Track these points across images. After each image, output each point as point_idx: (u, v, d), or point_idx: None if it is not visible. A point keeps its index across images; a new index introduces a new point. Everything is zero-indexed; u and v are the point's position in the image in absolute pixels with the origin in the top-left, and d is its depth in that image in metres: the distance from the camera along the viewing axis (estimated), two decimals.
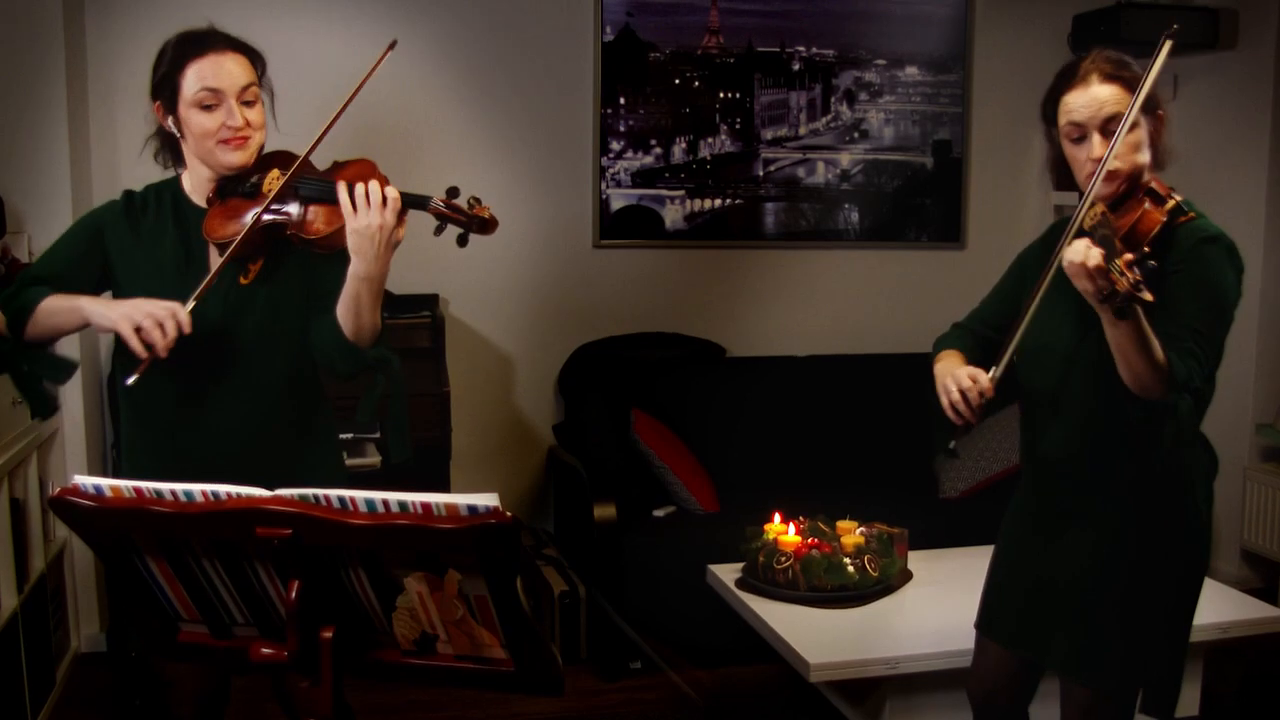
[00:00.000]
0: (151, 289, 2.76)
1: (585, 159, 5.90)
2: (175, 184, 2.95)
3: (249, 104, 2.82)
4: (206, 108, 2.78)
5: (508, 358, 5.94)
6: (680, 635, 5.02)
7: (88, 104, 5.14)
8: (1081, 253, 2.39)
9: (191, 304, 2.67)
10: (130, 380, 2.64)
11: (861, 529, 4.44)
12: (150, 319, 2.59)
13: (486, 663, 2.06)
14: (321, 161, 2.90)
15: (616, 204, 5.95)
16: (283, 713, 2.83)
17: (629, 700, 4.80)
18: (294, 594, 1.96)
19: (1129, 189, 2.74)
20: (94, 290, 2.87)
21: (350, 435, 4.75)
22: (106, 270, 2.88)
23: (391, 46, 2.84)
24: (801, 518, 4.49)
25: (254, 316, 2.85)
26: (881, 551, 4.34)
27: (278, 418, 2.93)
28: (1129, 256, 2.37)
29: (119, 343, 2.73)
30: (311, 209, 2.78)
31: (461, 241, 2.77)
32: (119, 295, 2.87)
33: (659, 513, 5.41)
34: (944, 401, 2.78)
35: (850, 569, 4.21)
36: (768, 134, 6.10)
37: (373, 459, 4.80)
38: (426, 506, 1.87)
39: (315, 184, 2.80)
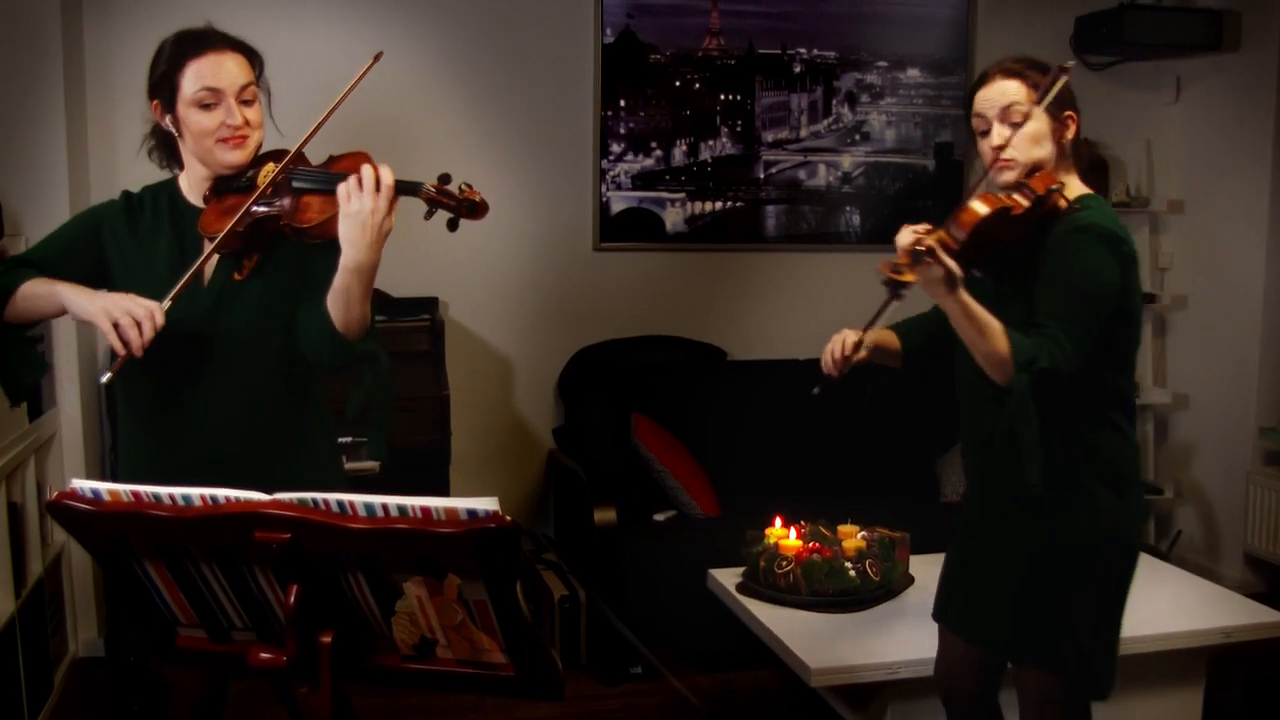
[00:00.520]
0: (145, 287, 2.75)
1: (585, 161, 5.89)
2: (172, 185, 2.95)
3: (247, 103, 2.82)
4: (206, 107, 2.77)
5: (507, 361, 5.92)
6: (681, 640, 5.00)
7: (86, 106, 5.13)
8: (902, 236, 2.69)
9: (168, 304, 2.64)
10: (105, 379, 2.65)
11: (863, 533, 4.44)
12: (128, 316, 2.57)
13: (486, 668, 2.06)
14: (317, 159, 2.89)
15: (617, 207, 5.93)
16: (288, 718, 2.82)
17: (629, 705, 4.80)
18: (293, 598, 1.96)
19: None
20: (84, 283, 2.82)
21: (349, 439, 4.72)
22: (102, 266, 2.87)
23: (377, 58, 2.82)
24: (803, 522, 4.49)
25: (248, 313, 2.84)
26: (883, 556, 4.34)
27: (274, 415, 2.92)
28: (931, 240, 2.61)
29: None
30: (304, 199, 2.77)
31: (452, 226, 2.73)
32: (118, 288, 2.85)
33: (659, 517, 5.40)
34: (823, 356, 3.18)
35: (852, 573, 4.20)
36: (769, 136, 6.09)
37: (372, 463, 4.78)
38: (426, 511, 1.87)
39: (308, 175, 2.79)
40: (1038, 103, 2.83)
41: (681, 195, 6.00)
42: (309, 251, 2.84)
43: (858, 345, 3.11)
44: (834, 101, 6.15)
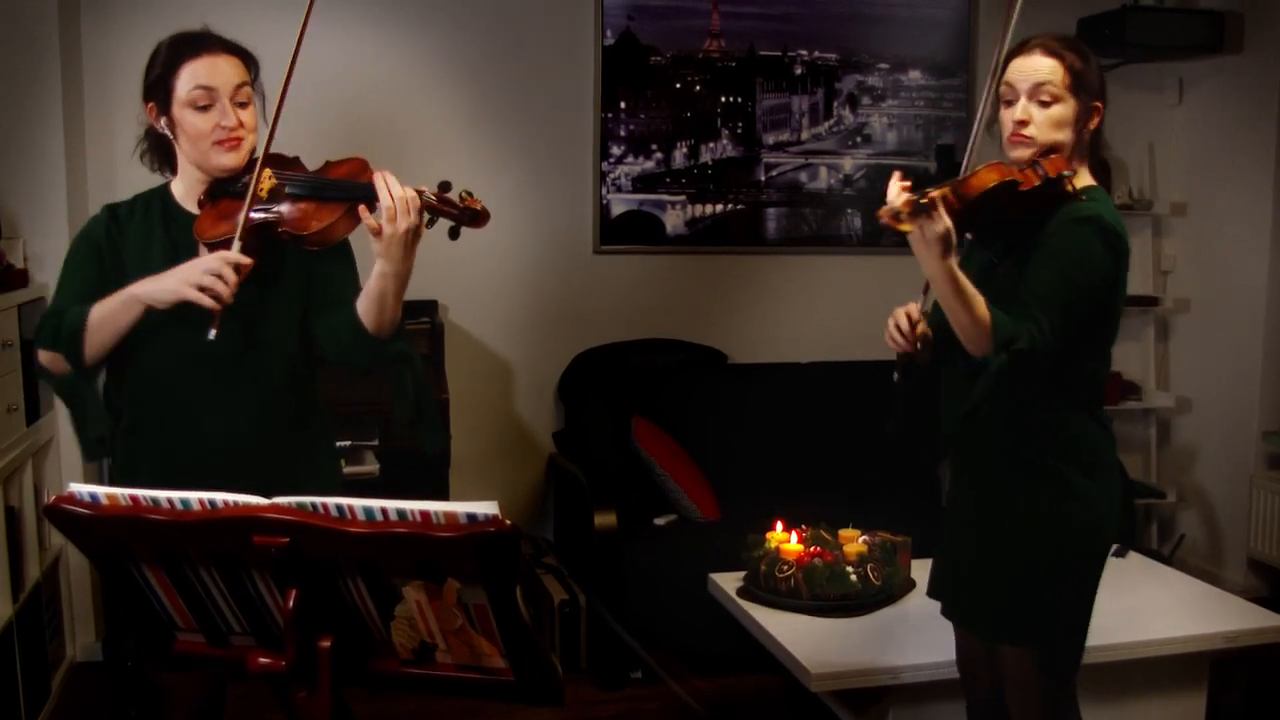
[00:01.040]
0: None
1: (585, 164, 5.88)
2: (164, 191, 2.94)
3: (242, 105, 2.83)
4: (200, 108, 2.78)
5: (507, 364, 5.91)
6: (681, 644, 5.00)
7: (83, 107, 5.12)
8: (890, 192, 2.65)
9: (238, 245, 2.69)
10: (212, 333, 2.65)
11: (864, 537, 4.43)
12: (208, 275, 2.63)
13: (486, 672, 2.05)
14: (317, 163, 2.88)
15: (617, 209, 5.92)
16: None
17: (630, 710, 4.78)
18: (291, 603, 1.95)
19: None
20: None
21: (349, 442, 4.72)
22: (109, 283, 2.86)
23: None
24: (804, 526, 4.49)
25: (249, 320, 2.83)
26: (884, 560, 4.33)
27: (275, 420, 2.92)
28: (907, 202, 2.58)
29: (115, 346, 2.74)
30: (302, 205, 2.77)
31: (453, 234, 2.78)
32: None
33: (660, 521, 5.39)
34: (886, 335, 3.01)
35: (853, 577, 4.20)
36: (769, 138, 6.07)
37: (371, 466, 4.78)
38: (425, 515, 1.86)
39: (304, 181, 2.80)
40: (1070, 90, 2.83)
41: (682, 198, 5.99)
42: (313, 258, 2.85)
43: (919, 316, 2.99)
44: (835, 104, 6.14)
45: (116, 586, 2.14)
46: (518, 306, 5.87)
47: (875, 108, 6.20)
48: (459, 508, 1.84)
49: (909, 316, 2.94)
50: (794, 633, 3.99)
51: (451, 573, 1.91)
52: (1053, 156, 2.83)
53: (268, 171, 2.81)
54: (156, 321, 2.75)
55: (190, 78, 2.77)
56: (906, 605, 4.29)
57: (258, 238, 2.77)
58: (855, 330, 6.17)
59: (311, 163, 2.89)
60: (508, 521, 1.83)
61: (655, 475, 5.41)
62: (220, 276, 2.62)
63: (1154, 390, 6.45)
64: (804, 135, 6.12)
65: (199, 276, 2.62)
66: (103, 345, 2.77)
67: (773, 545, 4.36)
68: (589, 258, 5.94)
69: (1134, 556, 4.81)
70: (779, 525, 4.49)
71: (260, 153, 2.81)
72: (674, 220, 5.99)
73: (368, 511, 1.89)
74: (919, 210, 2.56)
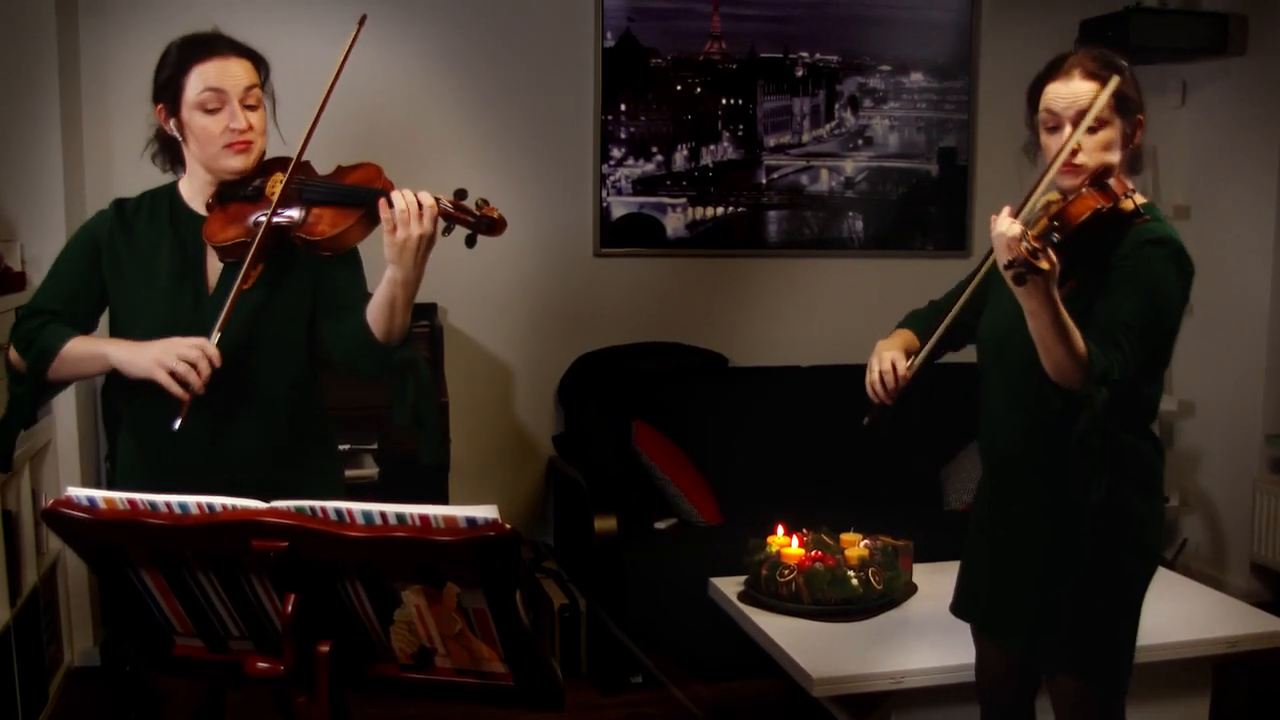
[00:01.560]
0: (148, 298, 2.79)
1: (586, 166, 5.87)
2: (172, 189, 2.94)
3: (251, 108, 2.82)
4: (210, 110, 2.77)
5: (507, 368, 5.90)
6: (682, 649, 4.98)
7: (81, 109, 5.11)
8: (1001, 224, 2.53)
9: (217, 335, 2.67)
10: (177, 424, 2.63)
11: (866, 541, 4.42)
12: (182, 362, 2.61)
13: (485, 677, 2.05)
14: (323, 167, 2.87)
15: (617, 212, 5.91)
16: None
17: (630, 715, 4.77)
18: (290, 607, 1.95)
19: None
20: (99, 311, 2.90)
21: (348, 446, 4.71)
22: (106, 287, 2.87)
23: (362, 22, 2.87)
24: (805, 530, 4.47)
25: (256, 323, 2.82)
26: (886, 564, 4.32)
27: (280, 424, 2.92)
28: (1032, 233, 2.51)
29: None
30: (315, 211, 2.77)
31: (470, 242, 2.76)
32: (116, 305, 2.87)
33: (660, 525, 5.37)
34: (867, 378, 3.02)
35: (854, 582, 4.18)
36: (770, 141, 6.07)
37: (370, 470, 4.77)
38: (425, 519, 1.86)
39: (319, 186, 2.80)
40: (1116, 110, 2.78)
41: (683, 200, 5.98)
42: (322, 263, 2.84)
43: (909, 370, 2.99)
44: (836, 106, 6.13)
45: (114, 591, 2.13)
46: (518, 310, 5.86)
47: (877, 110, 6.19)
48: (458, 512, 1.84)
49: (894, 372, 2.97)
50: (795, 637, 3.97)
51: (451, 577, 1.91)
52: (1113, 177, 2.78)
53: (280, 175, 2.80)
54: (154, 326, 2.74)
55: (200, 80, 2.76)
56: (908, 610, 4.27)
57: (270, 240, 2.77)
58: (857, 333, 6.11)
59: (319, 165, 2.88)
60: (507, 525, 1.83)
61: (656, 479, 5.40)
62: (195, 366, 2.61)
63: None
64: (805, 138, 6.11)
65: (174, 361, 2.61)
66: (64, 377, 2.82)
67: (774, 549, 4.35)
68: (589, 261, 5.93)
69: None
70: (780, 529, 4.47)
71: (295, 158, 2.81)
72: (675, 223, 5.98)
73: (367, 515, 1.88)
74: (1050, 243, 2.52)
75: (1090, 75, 2.79)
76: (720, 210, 6.04)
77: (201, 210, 2.86)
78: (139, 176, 3.02)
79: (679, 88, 5.91)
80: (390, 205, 2.64)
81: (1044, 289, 2.52)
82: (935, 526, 5.19)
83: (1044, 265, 2.44)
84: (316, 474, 3.00)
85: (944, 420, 5.86)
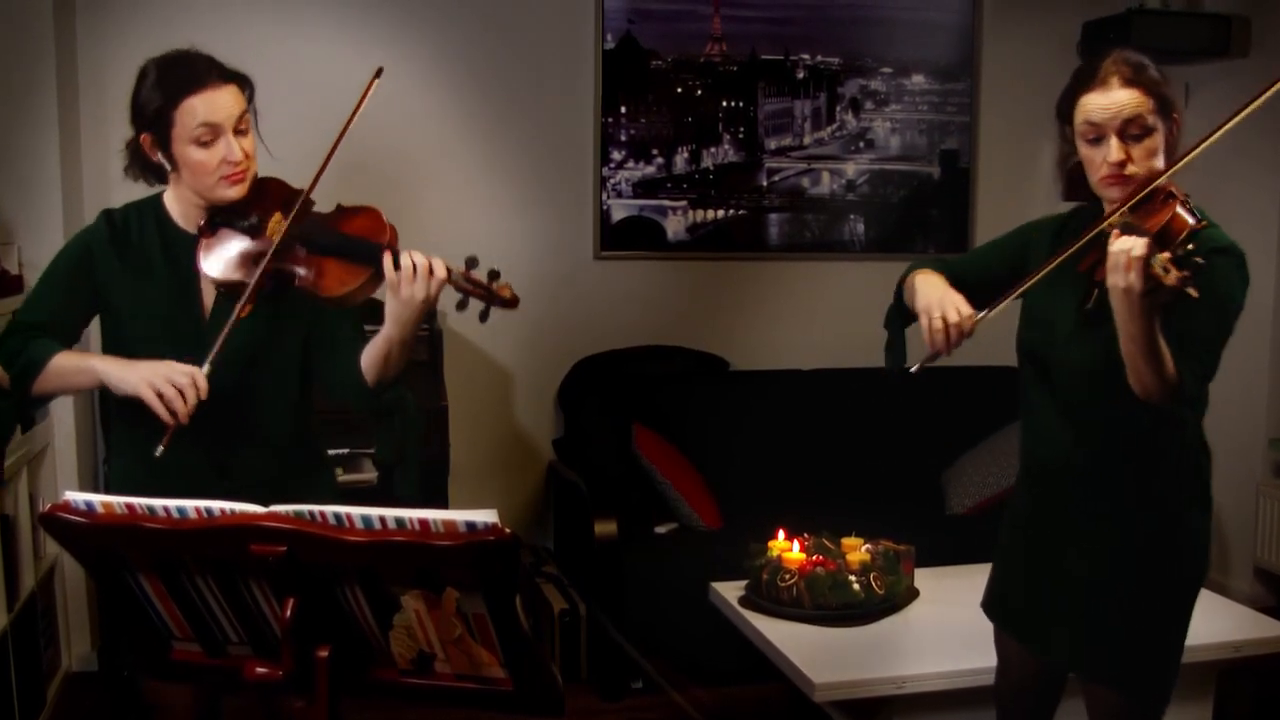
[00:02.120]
0: (147, 326, 2.78)
1: (586, 169, 5.86)
2: (157, 204, 2.89)
3: (242, 133, 2.78)
4: (204, 144, 2.72)
5: (507, 371, 5.89)
6: (682, 654, 4.97)
7: (78, 113, 5.10)
8: (1129, 243, 2.43)
9: (208, 367, 2.64)
10: (159, 451, 2.61)
11: (867, 546, 4.41)
12: (171, 386, 2.59)
13: (485, 682, 2.04)
14: (321, 194, 2.82)
15: (617, 215, 5.90)
16: None
17: None
18: (289, 612, 1.94)
19: (1145, 193, 2.73)
20: (85, 324, 2.88)
21: (346, 450, 4.69)
22: (101, 299, 2.84)
23: (378, 74, 2.79)
24: (806, 534, 4.46)
25: (251, 349, 2.81)
26: (887, 569, 4.31)
27: (275, 448, 2.91)
28: (1166, 255, 2.40)
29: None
30: (319, 263, 2.73)
31: (483, 317, 2.73)
32: (113, 327, 2.84)
33: (661, 529, 5.36)
34: (924, 324, 2.80)
35: (856, 586, 4.18)
36: (771, 143, 6.06)
37: (369, 474, 4.76)
38: (424, 523, 1.85)
39: (324, 235, 2.74)
40: (1158, 113, 2.72)
41: (683, 203, 5.97)
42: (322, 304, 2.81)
43: (973, 324, 2.78)
44: (838, 108, 6.12)
45: (112, 595, 2.12)
46: (517, 313, 5.75)
47: (878, 112, 6.18)
48: (458, 516, 1.83)
49: (961, 331, 2.76)
50: (796, 642, 3.96)
51: (450, 581, 1.90)
52: (1167, 184, 2.72)
53: (280, 217, 2.76)
54: (149, 346, 2.73)
55: (191, 115, 2.70)
56: (910, 614, 4.26)
57: (268, 283, 2.74)
58: (858, 337, 6.12)
59: (318, 196, 2.83)
60: (507, 530, 1.82)
61: (656, 483, 5.39)
62: (183, 393, 2.59)
63: None
64: (806, 140, 6.10)
65: (163, 384, 2.59)
66: (49, 392, 2.80)
67: (775, 554, 4.34)
68: (589, 264, 5.93)
69: None
70: (781, 534, 4.47)
71: (299, 202, 2.76)
72: (675, 226, 5.97)
73: (366, 520, 1.87)
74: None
75: (1128, 82, 2.73)
76: (721, 213, 6.03)
77: (192, 229, 2.82)
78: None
79: (679, 90, 5.90)
80: (397, 267, 2.62)
81: (1149, 312, 2.47)
82: (937, 531, 5.19)
83: (1194, 292, 2.36)
84: (313, 488, 2.97)
85: (946, 424, 5.87)
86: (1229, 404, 6.17)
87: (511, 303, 2.69)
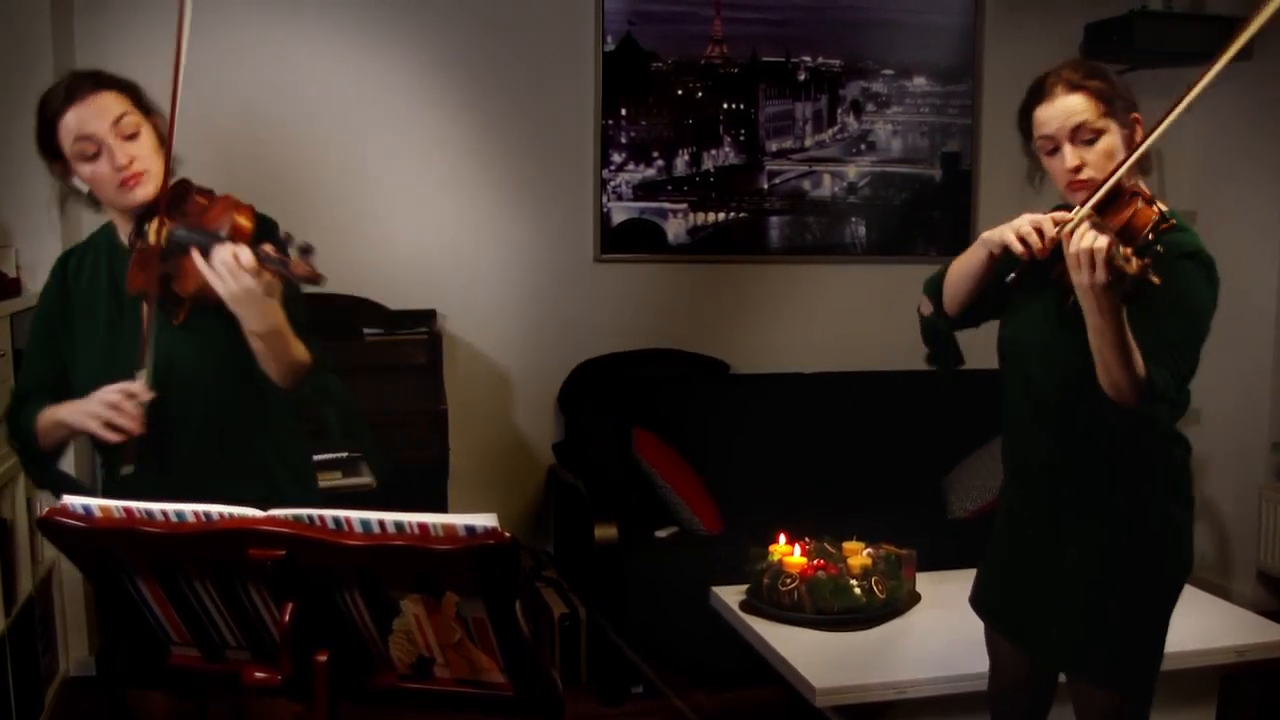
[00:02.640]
0: (90, 360, 2.77)
1: (586, 171, 5.85)
2: (110, 228, 2.89)
3: (131, 137, 2.72)
4: (90, 157, 2.69)
5: (506, 374, 5.88)
6: (683, 658, 4.96)
7: None
8: (1090, 239, 2.48)
9: (144, 373, 2.63)
10: (126, 470, 2.62)
11: (868, 550, 4.41)
12: (108, 409, 2.59)
13: (485, 687, 2.04)
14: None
15: (618, 217, 5.89)
16: None
17: None
18: (288, 616, 1.94)
19: (1109, 194, 2.76)
20: (67, 378, 2.85)
21: (344, 454, 4.68)
22: (63, 351, 2.85)
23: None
24: (807, 538, 4.46)
25: (194, 359, 2.77)
26: (889, 573, 4.30)
27: (241, 443, 2.87)
28: (1128, 249, 2.48)
29: None
30: (182, 261, 2.66)
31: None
32: (73, 373, 2.83)
33: (661, 533, 5.35)
34: (1011, 237, 2.77)
35: (857, 591, 4.18)
36: (772, 146, 6.05)
37: (368, 478, 4.74)
38: (423, 527, 1.84)
39: (183, 235, 2.66)
40: (1107, 115, 2.78)
41: (684, 205, 5.96)
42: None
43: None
44: (839, 110, 6.11)
45: (110, 600, 2.12)
46: (517, 316, 5.84)
47: (880, 114, 6.17)
48: (457, 520, 1.83)
49: (1051, 239, 2.69)
50: (797, 646, 3.96)
51: (450, 586, 1.90)
52: (1131, 184, 2.77)
53: (157, 221, 2.69)
54: (96, 374, 2.71)
55: (67, 133, 2.68)
56: (911, 619, 4.25)
57: (159, 284, 2.68)
58: (859, 340, 6.14)
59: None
60: (507, 534, 1.81)
61: (656, 487, 5.38)
62: (118, 408, 2.57)
63: None
64: (807, 142, 6.09)
65: (100, 408, 2.59)
66: (54, 443, 2.82)
67: (776, 558, 4.33)
68: (589, 266, 5.92)
69: None
70: (782, 538, 4.46)
71: (161, 196, 2.71)
72: (675, 228, 5.96)
73: (365, 524, 1.87)
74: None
75: (1072, 87, 2.80)
76: (721, 215, 6.02)
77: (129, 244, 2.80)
78: None
79: (680, 92, 5.89)
80: (207, 260, 2.55)
81: (1115, 306, 2.51)
82: (938, 535, 5.18)
83: (1155, 279, 2.43)
84: (294, 481, 2.96)
85: (948, 428, 5.86)
86: (1232, 408, 6.20)
87: (311, 278, 2.53)
